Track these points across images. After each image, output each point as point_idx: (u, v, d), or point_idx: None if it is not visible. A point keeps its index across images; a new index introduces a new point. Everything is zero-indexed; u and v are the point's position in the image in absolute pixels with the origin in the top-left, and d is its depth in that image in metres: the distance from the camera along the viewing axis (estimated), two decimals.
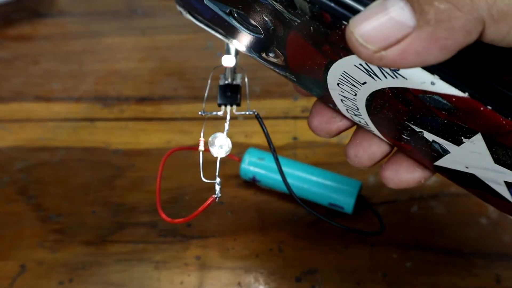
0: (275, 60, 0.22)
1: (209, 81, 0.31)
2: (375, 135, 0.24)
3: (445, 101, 0.17)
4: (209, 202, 0.32)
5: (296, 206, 0.40)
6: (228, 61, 0.30)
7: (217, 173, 0.30)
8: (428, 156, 0.22)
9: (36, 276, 0.38)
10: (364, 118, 0.22)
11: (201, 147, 0.31)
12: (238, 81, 0.31)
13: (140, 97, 0.49)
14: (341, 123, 0.25)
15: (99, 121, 0.47)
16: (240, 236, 0.39)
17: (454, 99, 0.17)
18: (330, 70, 0.20)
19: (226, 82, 0.31)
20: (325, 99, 0.23)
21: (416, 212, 0.40)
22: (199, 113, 0.31)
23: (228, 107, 0.31)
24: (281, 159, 0.40)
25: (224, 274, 0.37)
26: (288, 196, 0.40)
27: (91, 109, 0.48)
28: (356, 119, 0.23)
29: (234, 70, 0.31)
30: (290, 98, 0.48)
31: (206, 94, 0.31)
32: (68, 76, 0.51)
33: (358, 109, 0.22)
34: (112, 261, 0.38)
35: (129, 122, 0.47)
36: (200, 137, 0.31)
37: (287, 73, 0.23)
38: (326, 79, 0.21)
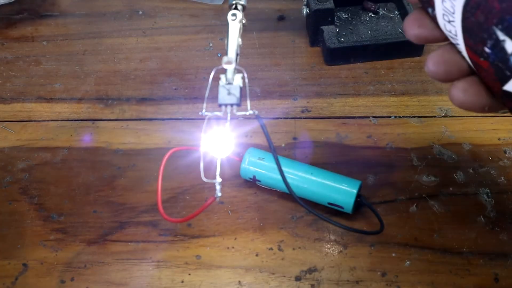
0: None
1: (209, 82, 0.31)
2: (459, 52, 0.25)
3: None
4: (209, 202, 0.32)
5: (296, 206, 0.40)
6: (228, 62, 0.30)
7: (217, 173, 0.31)
8: (501, 76, 0.22)
9: (38, 275, 0.38)
10: (455, 26, 0.23)
11: (202, 147, 0.31)
12: (238, 81, 0.31)
13: (141, 97, 0.49)
14: (433, 31, 0.26)
15: (100, 121, 0.48)
16: (240, 236, 0.39)
17: None
18: None
19: (227, 82, 0.31)
20: (427, 2, 0.25)
21: (415, 211, 0.40)
22: (200, 113, 0.31)
23: (229, 107, 0.31)
24: (281, 159, 0.40)
25: (224, 273, 0.38)
26: (288, 195, 0.40)
27: (92, 109, 0.49)
28: (448, 27, 0.24)
29: (234, 70, 0.31)
30: (290, 98, 0.48)
31: (206, 95, 0.31)
32: (69, 76, 0.52)
33: (454, 13, 0.23)
34: (113, 260, 0.39)
35: (130, 122, 0.47)
36: (200, 137, 0.31)
37: None
38: None
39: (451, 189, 0.41)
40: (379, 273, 0.37)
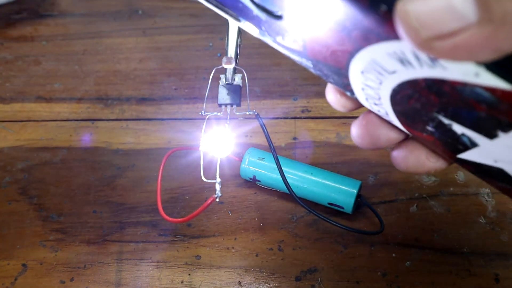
0: (292, 45, 0.21)
1: (209, 82, 0.31)
2: (385, 121, 0.22)
3: (487, 94, 0.16)
4: (209, 202, 0.32)
5: (296, 206, 0.40)
6: (228, 61, 0.30)
7: (217, 173, 0.31)
8: (452, 148, 0.20)
9: (37, 275, 0.38)
10: (385, 108, 0.21)
11: (202, 147, 0.31)
12: (238, 81, 0.31)
13: (141, 97, 0.49)
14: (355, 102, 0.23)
15: (100, 121, 0.48)
16: (240, 236, 0.39)
17: (499, 92, 0.15)
18: (355, 57, 0.19)
19: (227, 82, 0.31)
20: (343, 86, 0.22)
21: (416, 211, 0.40)
22: (200, 113, 0.31)
23: (229, 107, 0.31)
24: (281, 159, 0.40)
25: (224, 273, 0.37)
26: (288, 195, 0.40)
27: (92, 109, 0.49)
28: (375, 108, 0.22)
29: (234, 70, 0.31)
30: (290, 98, 0.48)
31: (206, 95, 0.31)
32: (69, 76, 0.52)
33: (380, 98, 0.20)
34: (113, 260, 0.38)
35: (129, 122, 0.47)
36: (200, 137, 0.31)
37: (304, 59, 0.22)
38: (349, 66, 0.19)
39: (451, 189, 0.41)
40: (379, 273, 0.37)
